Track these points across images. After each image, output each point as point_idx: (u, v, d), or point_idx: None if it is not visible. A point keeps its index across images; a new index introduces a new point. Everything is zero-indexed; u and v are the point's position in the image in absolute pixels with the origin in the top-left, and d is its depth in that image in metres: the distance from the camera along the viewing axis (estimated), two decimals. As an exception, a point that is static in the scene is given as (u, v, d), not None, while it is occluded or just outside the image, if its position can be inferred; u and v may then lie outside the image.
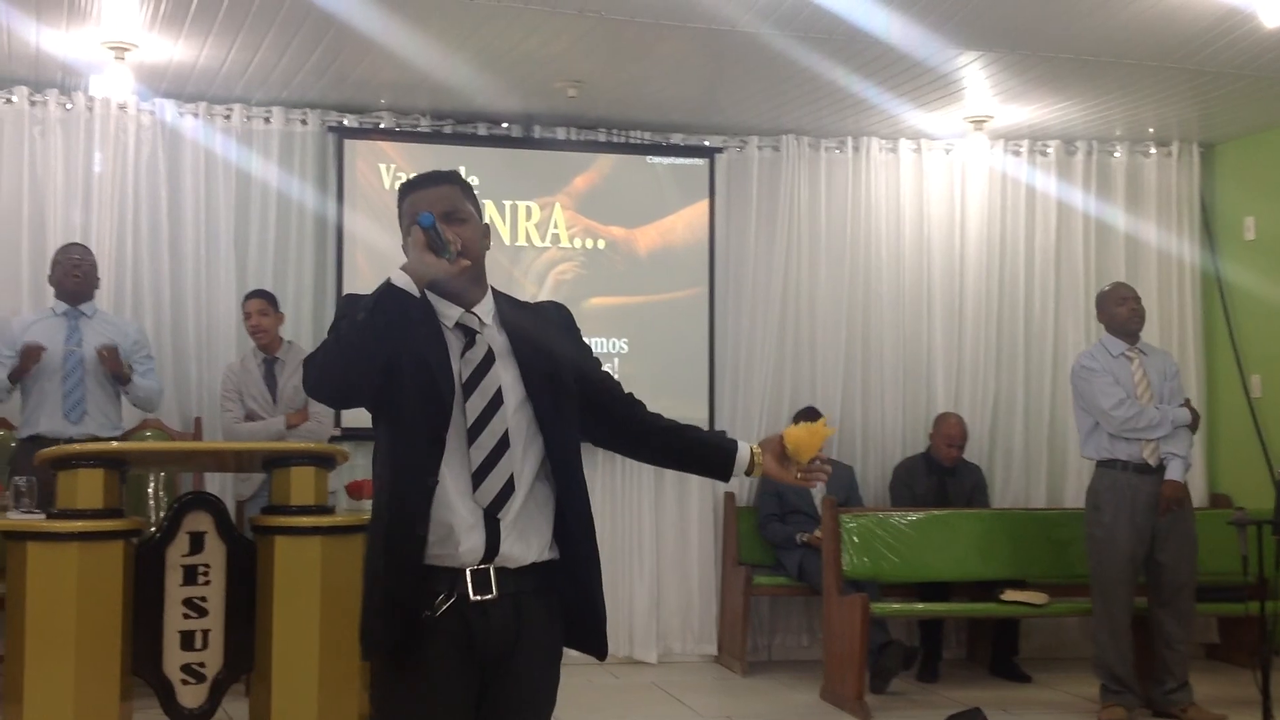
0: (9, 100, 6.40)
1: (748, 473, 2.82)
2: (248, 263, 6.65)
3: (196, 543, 4.79)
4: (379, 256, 6.73)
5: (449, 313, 2.64)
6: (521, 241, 7.08)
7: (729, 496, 7.22)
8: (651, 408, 2.89)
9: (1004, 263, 7.61)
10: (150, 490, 6.27)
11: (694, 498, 7.25)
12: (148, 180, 6.59)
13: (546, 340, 2.70)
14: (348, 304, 2.59)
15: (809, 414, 7.13)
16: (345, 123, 6.90)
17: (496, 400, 2.60)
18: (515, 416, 2.61)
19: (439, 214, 2.58)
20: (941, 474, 7.09)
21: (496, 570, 2.56)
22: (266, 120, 6.79)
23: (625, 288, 7.19)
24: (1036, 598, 6.29)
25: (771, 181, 7.44)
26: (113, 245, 6.48)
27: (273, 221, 6.75)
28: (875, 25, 5.54)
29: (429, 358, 2.58)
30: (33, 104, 6.44)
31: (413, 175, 2.81)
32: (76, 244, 6.04)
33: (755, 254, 7.41)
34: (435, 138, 7.04)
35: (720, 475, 2.85)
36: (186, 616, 4.77)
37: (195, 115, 6.67)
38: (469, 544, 2.56)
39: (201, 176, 6.66)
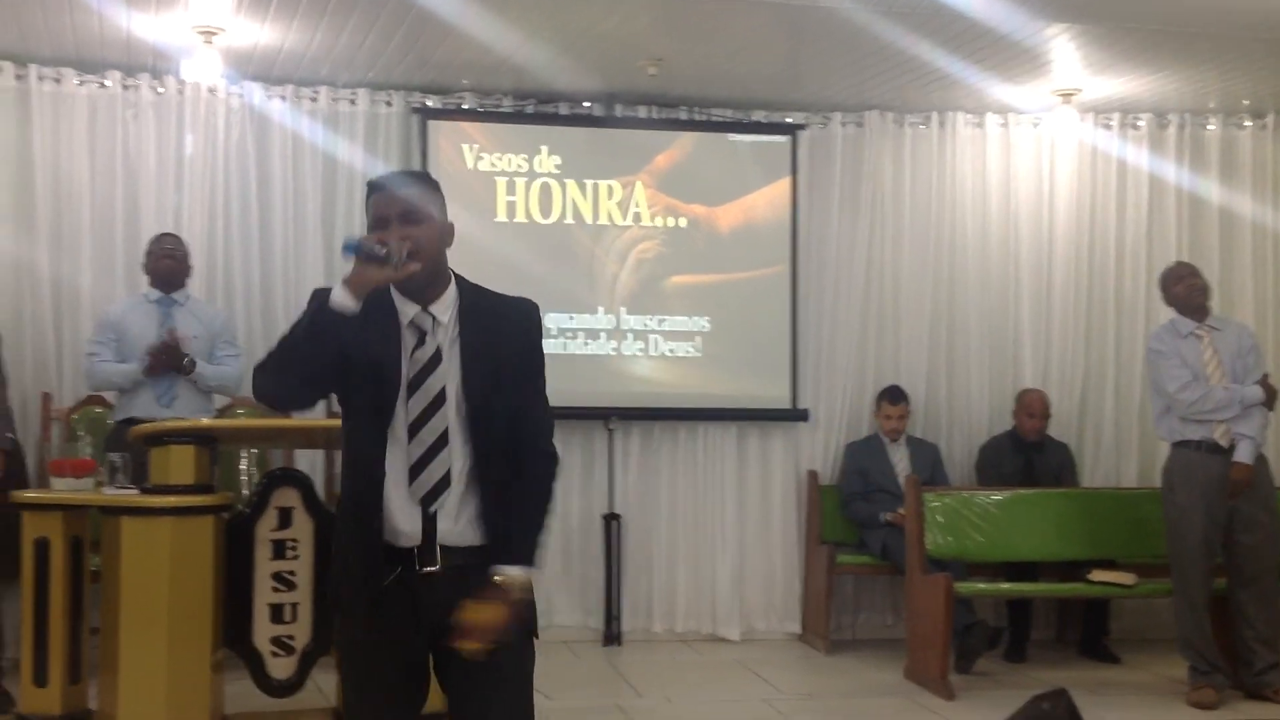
0: (102, 85, 6.54)
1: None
2: (334, 244, 6.72)
3: (285, 518, 4.88)
4: (464, 238, 6.74)
5: (406, 310, 2.76)
6: (603, 220, 7.09)
7: (812, 475, 7.20)
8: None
9: (1094, 238, 7.48)
10: (242, 467, 6.39)
11: (776, 476, 7.23)
12: (237, 163, 6.70)
13: (497, 339, 2.78)
14: (313, 299, 2.71)
15: (892, 393, 7.09)
16: (429, 104, 6.96)
17: (439, 400, 2.72)
18: (457, 415, 2.73)
19: (396, 214, 2.71)
20: (1028, 452, 7.01)
21: (441, 547, 2.72)
22: (352, 102, 6.86)
23: (707, 266, 7.17)
24: (1125, 578, 6.20)
25: (855, 158, 7.38)
26: (203, 228, 6.60)
27: (359, 203, 6.80)
28: (961, -2, 5.48)
29: (379, 355, 2.71)
30: (125, 88, 6.57)
31: (378, 175, 2.90)
32: (169, 234, 6.15)
33: (838, 231, 7.35)
34: (517, 118, 7.07)
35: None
36: (275, 590, 4.86)
37: (282, 98, 6.76)
38: (407, 530, 2.72)
39: (289, 158, 6.76)
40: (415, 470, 2.70)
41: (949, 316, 7.39)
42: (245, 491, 6.15)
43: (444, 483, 2.71)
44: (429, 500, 2.70)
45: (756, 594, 7.19)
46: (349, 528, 2.79)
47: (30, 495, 5.02)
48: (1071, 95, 6.91)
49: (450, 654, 2.70)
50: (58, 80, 6.46)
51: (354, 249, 2.64)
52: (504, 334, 2.80)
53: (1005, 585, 6.53)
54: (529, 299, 2.89)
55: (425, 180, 2.87)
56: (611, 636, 6.88)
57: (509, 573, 2.71)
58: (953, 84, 6.85)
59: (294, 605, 4.84)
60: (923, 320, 7.35)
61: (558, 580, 6.98)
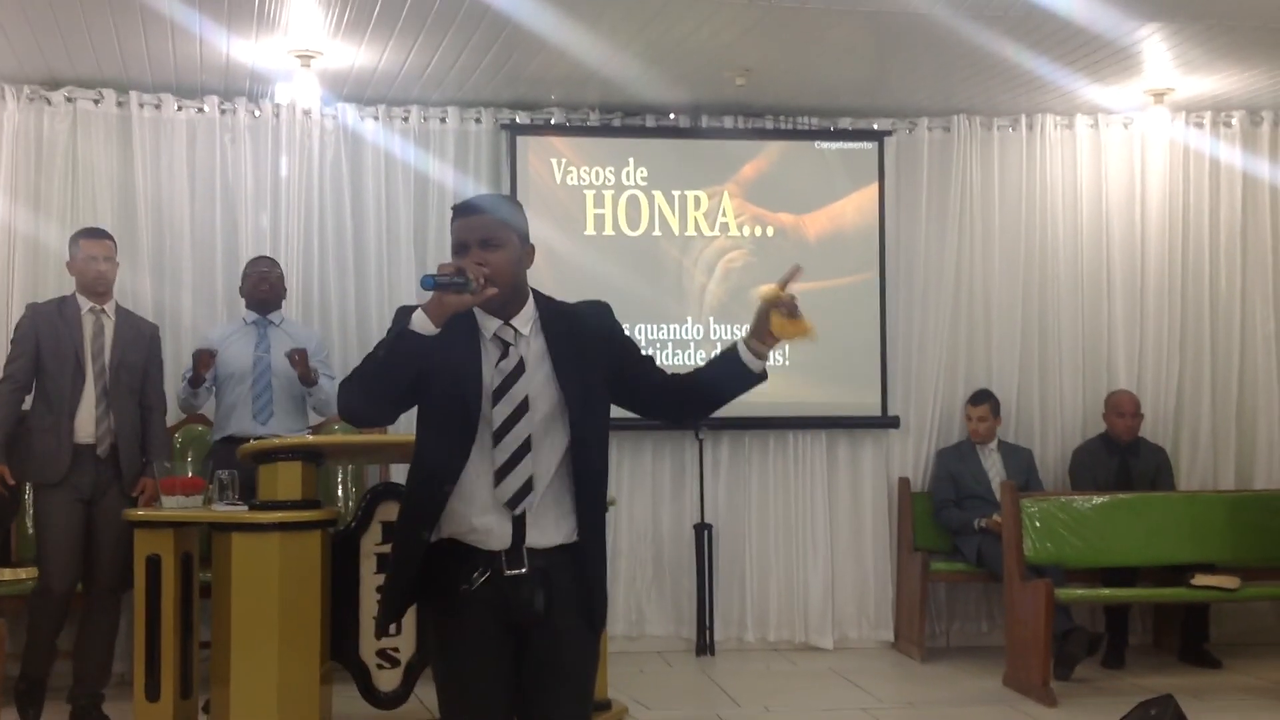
0: (201, 109, 6.68)
1: (756, 366, 2.99)
2: (427, 261, 6.81)
3: (388, 532, 4.97)
4: (553, 252, 6.85)
5: (489, 324, 2.89)
6: (690, 231, 7.12)
7: (903, 482, 7.17)
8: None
9: (1187, 238, 7.39)
10: (340, 481, 6.51)
11: (867, 484, 7.22)
12: (331, 183, 6.82)
13: (581, 344, 2.92)
14: (399, 317, 2.84)
15: (983, 397, 7.05)
16: (517, 119, 7.03)
17: (522, 408, 2.84)
18: (543, 424, 2.85)
19: (476, 240, 2.83)
20: (1123, 455, 6.94)
21: (528, 549, 2.84)
22: (442, 120, 6.95)
23: (795, 274, 7.15)
24: (1229, 582, 6.11)
25: (943, 162, 7.35)
26: (299, 248, 6.72)
27: (449, 218, 6.89)
28: (1050, 0, 5.44)
29: (460, 371, 2.83)
30: (223, 112, 6.71)
31: (463, 200, 3.02)
32: (265, 256, 6.28)
33: (927, 237, 7.33)
34: (604, 131, 7.13)
35: (743, 372, 2.99)
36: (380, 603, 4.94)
37: (375, 118, 6.87)
38: (497, 533, 2.83)
39: (382, 177, 6.86)
40: (500, 474, 2.83)
41: (1040, 320, 7.34)
42: (344, 505, 6.30)
43: (527, 487, 2.83)
44: (514, 503, 2.82)
45: (849, 602, 7.18)
46: (401, 541, 2.95)
47: (142, 513, 5.14)
48: (1163, 94, 6.84)
49: (525, 651, 2.85)
50: (158, 106, 6.62)
51: (430, 284, 2.73)
52: (586, 337, 2.94)
53: (1105, 591, 6.45)
54: (600, 301, 3.04)
55: (507, 205, 3.01)
56: (704, 646, 6.90)
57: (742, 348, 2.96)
58: (1042, 86, 6.80)
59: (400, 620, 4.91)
60: (1014, 324, 7.30)
61: (649, 590, 7.02)
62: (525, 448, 2.84)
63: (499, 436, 2.83)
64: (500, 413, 2.83)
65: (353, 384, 2.85)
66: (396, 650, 4.98)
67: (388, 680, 5.00)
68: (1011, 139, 7.40)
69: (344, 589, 4.94)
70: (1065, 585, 6.20)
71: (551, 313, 2.95)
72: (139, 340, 5.56)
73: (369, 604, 4.96)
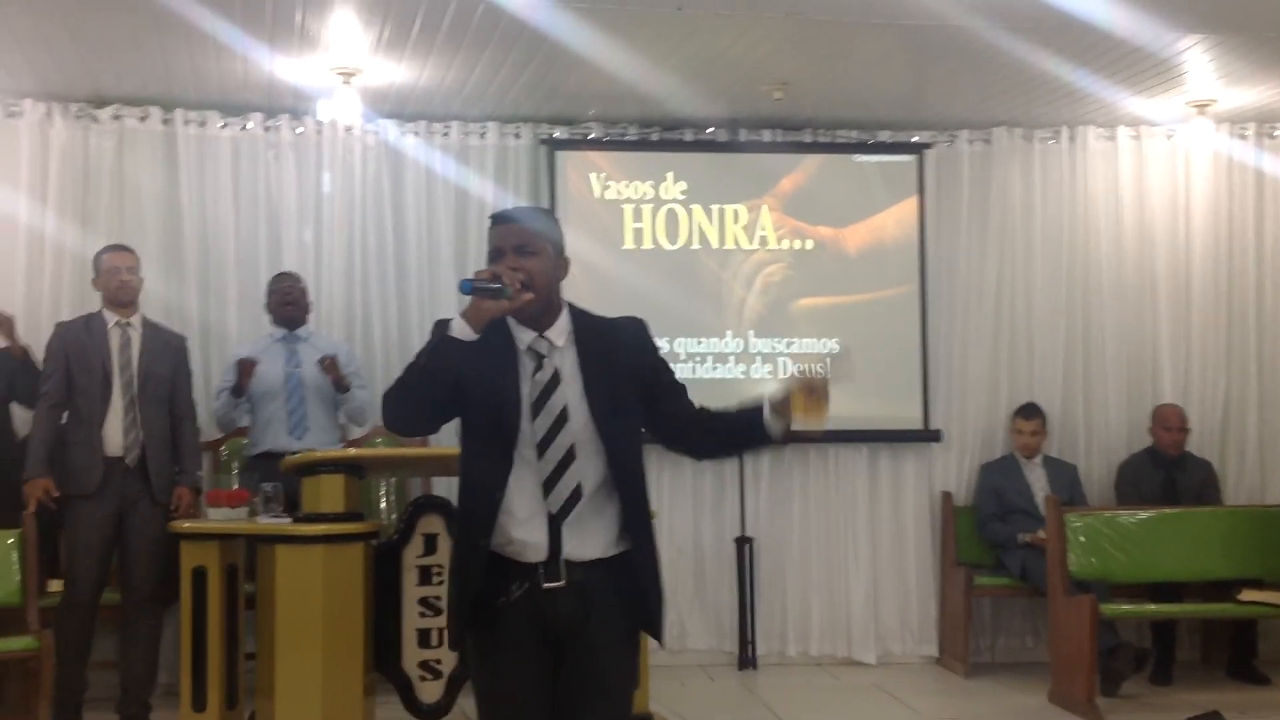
0: (244, 127, 6.75)
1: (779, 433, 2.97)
2: (468, 275, 6.82)
3: (430, 544, 5.00)
4: (592, 266, 6.87)
5: (523, 336, 2.91)
6: (729, 245, 7.13)
7: (946, 496, 7.14)
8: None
9: (1232, 250, 7.33)
10: (381, 494, 6.54)
11: (909, 498, 7.19)
12: (373, 199, 6.87)
13: (613, 359, 2.94)
14: (437, 329, 2.87)
15: (1026, 409, 7.01)
16: (556, 134, 7.07)
17: (562, 418, 2.86)
18: (582, 431, 2.87)
19: (511, 246, 2.87)
20: (1169, 469, 6.88)
21: (565, 562, 2.85)
22: (482, 135, 7.00)
23: (834, 287, 7.17)
24: (1276, 598, 6.05)
25: (983, 175, 7.33)
26: (343, 263, 6.78)
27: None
28: (1090, 11, 5.41)
29: (498, 382, 2.86)
30: (266, 129, 6.78)
31: (500, 210, 3.07)
32: (287, 273, 6.33)
33: (967, 249, 7.30)
34: (643, 145, 7.16)
35: (761, 433, 2.99)
36: (423, 615, 4.98)
37: (416, 134, 6.92)
38: (534, 544, 2.85)
39: (423, 193, 6.91)
40: (548, 485, 2.85)
41: (1084, 334, 7.29)
42: (386, 518, 6.33)
43: (576, 495, 2.85)
44: (564, 512, 2.84)
45: (892, 617, 7.14)
46: (459, 553, 2.97)
47: (188, 525, 5.20)
48: (1206, 106, 6.79)
49: (562, 665, 2.87)
50: (202, 123, 6.69)
51: (468, 288, 2.78)
52: (619, 352, 2.95)
53: (1151, 606, 6.40)
54: (635, 316, 3.05)
55: (544, 215, 3.08)
56: (746, 660, 6.88)
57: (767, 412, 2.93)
58: (1083, 98, 6.77)
59: (441, 630, 4.95)
60: (1057, 338, 7.26)
61: (690, 603, 7.02)
62: (570, 456, 2.86)
63: (543, 448, 2.85)
64: (541, 425, 2.85)
65: (395, 393, 2.89)
66: (439, 662, 4.99)
67: (430, 692, 5.01)
68: (1053, 151, 7.37)
69: (386, 601, 4.97)
70: (1111, 601, 6.15)
71: (586, 326, 2.97)
72: (166, 351, 5.65)
73: (411, 615, 4.99)
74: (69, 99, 6.51)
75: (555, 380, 2.88)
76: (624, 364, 2.95)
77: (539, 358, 2.90)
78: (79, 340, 5.50)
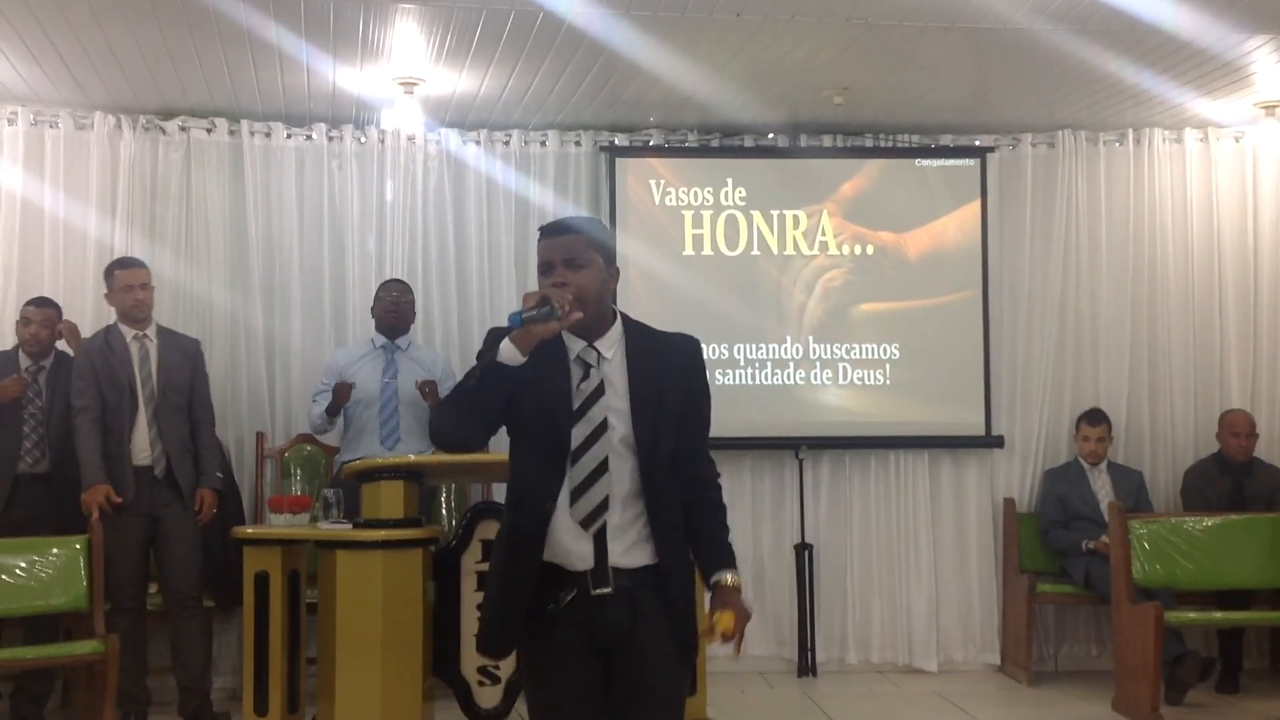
0: (309, 137, 6.85)
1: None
2: (528, 283, 6.88)
3: (488, 550, 5.02)
4: (651, 272, 6.90)
5: (573, 345, 2.93)
6: (790, 250, 7.11)
7: (1009, 503, 7.07)
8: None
9: (1302, 252, 7.21)
10: (443, 500, 6.60)
11: (971, 505, 7.13)
12: (435, 207, 6.93)
13: (662, 376, 2.94)
14: (490, 339, 2.90)
15: (1092, 415, 6.93)
16: (616, 142, 7.09)
17: (601, 428, 2.88)
18: (619, 444, 2.88)
19: (560, 259, 2.88)
20: (1237, 476, 6.78)
21: (613, 569, 2.85)
22: (542, 144, 7.04)
23: (895, 293, 7.13)
24: (1348, 607, 5.93)
25: (1047, 179, 7.26)
26: (404, 272, 6.81)
27: (549, 240, 6.95)
28: (1156, 12, 5.34)
29: (550, 390, 2.88)
30: (330, 139, 6.87)
31: (550, 221, 3.07)
32: (397, 280, 6.41)
33: (1031, 254, 7.23)
34: (703, 152, 7.16)
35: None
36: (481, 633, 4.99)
37: (477, 143, 6.97)
38: (578, 552, 2.86)
39: (484, 201, 6.96)
40: (576, 494, 2.86)
41: (1150, 338, 7.20)
42: (448, 524, 6.38)
43: (603, 506, 2.86)
44: (589, 522, 2.85)
45: (953, 624, 7.08)
46: (508, 564, 2.93)
47: (250, 531, 5.28)
48: (1275, 107, 6.67)
49: (613, 672, 2.87)
50: (268, 134, 6.80)
51: (518, 321, 2.79)
52: (667, 368, 2.96)
53: (1218, 614, 6.31)
54: (690, 335, 3.05)
55: (593, 225, 3.03)
56: (806, 667, 6.85)
57: (728, 576, 2.91)
58: (1149, 100, 6.69)
59: (500, 636, 4.96)
60: (1122, 343, 7.17)
61: (751, 610, 6.97)
62: (602, 468, 2.86)
63: (576, 456, 2.86)
64: (579, 433, 2.87)
65: (445, 410, 2.93)
66: (497, 668, 5.03)
67: (488, 697, 5.05)
68: (1118, 154, 7.28)
69: (445, 606, 5.01)
70: (1177, 608, 6.06)
71: (637, 339, 2.97)
72: (183, 359, 5.77)
73: (470, 621, 5.02)
74: (137, 111, 6.63)
75: (599, 390, 2.89)
76: (671, 384, 2.94)
77: (586, 367, 2.91)
78: (103, 356, 5.62)
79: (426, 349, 6.51)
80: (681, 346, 3.02)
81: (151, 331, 5.76)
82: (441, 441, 2.97)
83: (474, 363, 2.95)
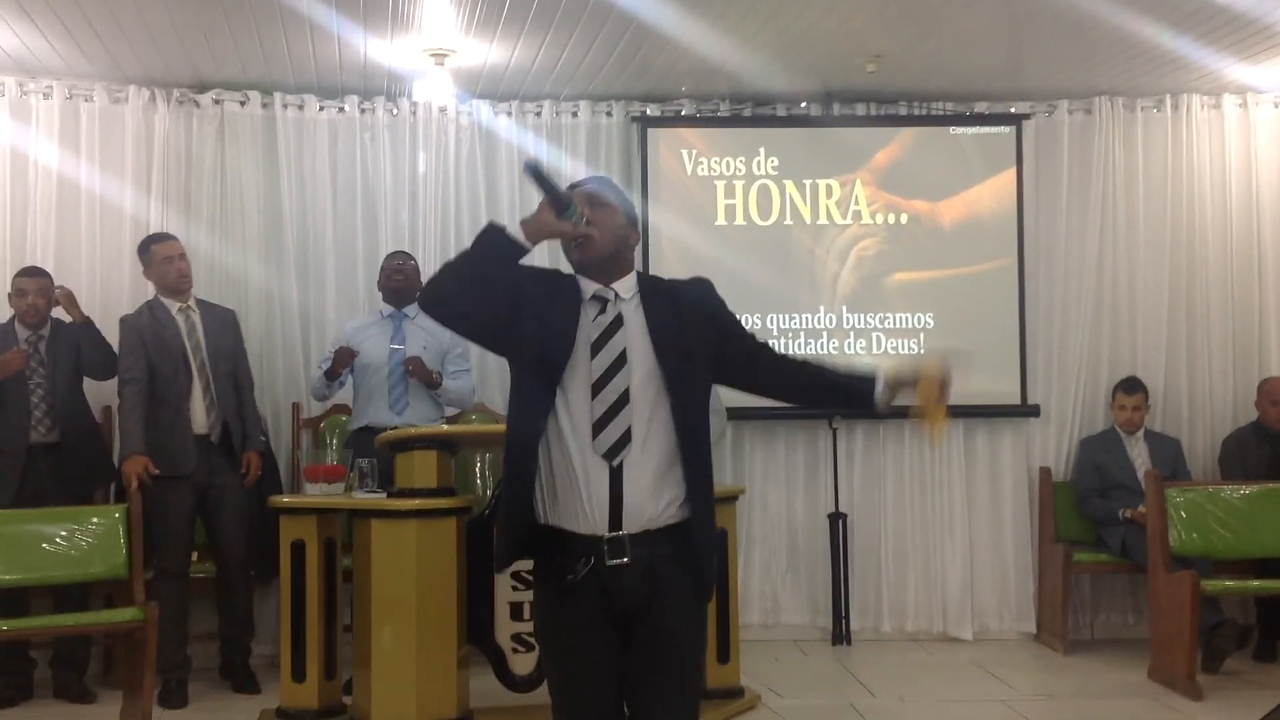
0: (341, 109, 6.86)
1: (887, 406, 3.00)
2: (557, 256, 6.82)
3: (521, 520, 5.04)
4: (684, 243, 6.89)
5: (588, 287, 2.92)
6: (823, 220, 7.08)
7: (1045, 472, 7.04)
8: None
9: (1343, 218, 7.12)
10: (477, 470, 6.63)
11: (1006, 473, 7.10)
12: (467, 179, 6.94)
13: (681, 315, 2.93)
14: (487, 230, 2.90)
15: (1128, 383, 6.88)
16: (648, 112, 7.08)
17: (620, 360, 2.85)
18: (642, 382, 2.84)
19: (583, 200, 2.88)
20: (1275, 444, 6.71)
21: (630, 537, 2.81)
22: (574, 114, 7.03)
23: (929, 262, 7.09)
24: (1388, 575, 5.88)
25: (1084, 146, 7.19)
26: (437, 243, 6.85)
27: (581, 213, 6.94)
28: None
29: (554, 320, 2.87)
30: (362, 112, 6.88)
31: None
32: (401, 251, 6.43)
33: (1067, 222, 7.17)
34: (735, 121, 7.13)
35: (867, 400, 3.00)
36: (515, 589, 5.05)
37: (508, 114, 6.97)
38: (595, 494, 2.80)
39: (515, 172, 6.95)
40: (598, 426, 2.81)
41: (1188, 306, 7.13)
42: (481, 493, 6.41)
43: (625, 438, 2.81)
44: (611, 454, 2.80)
45: (989, 593, 7.07)
46: (509, 479, 2.92)
47: (286, 500, 5.33)
48: (1315, 71, 6.60)
49: (631, 638, 2.87)
50: (300, 107, 6.82)
51: (533, 170, 2.81)
52: (685, 311, 2.95)
53: (1255, 583, 6.25)
54: (702, 277, 3.08)
55: (617, 187, 3.10)
56: (840, 636, 6.86)
57: (884, 368, 2.98)
58: (1186, 65, 6.61)
59: (532, 603, 4.99)
60: (1160, 310, 7.11)
61: (783, 579, 7.01)
62: (624, 399, 2.83)
63: (597, 389, 2.83)
64: (599, 364, 2.84)
65: (442, 271, 2.87)
66: (531, 635, 5.06)
67: (523, 664, 5.08)
68: (1156, 120, 7.21)
69: (479, 575, 5.04)
70: (1213, 577, 6.03)
71: (653, 287, 2.99)
72: (224, 328, 5.92)
73: (504, 589, 5.06)
74: (171, 84, 6.66)
75: (618, 323, 2.88)
76: (692, 321, 2.94)
77: (603, 303, 2.91)
78: (152, 329, 5.73)
79: None
80: (695, 286, 3.04)
81: (193, 304, 5.88)
82: (431, 299, 2.88)
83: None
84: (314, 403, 6.56)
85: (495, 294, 2.84)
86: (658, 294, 2.97)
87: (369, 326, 6.20)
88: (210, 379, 5.76)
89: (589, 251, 2.88)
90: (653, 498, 2.82)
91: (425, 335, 6.11)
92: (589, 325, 2.88)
